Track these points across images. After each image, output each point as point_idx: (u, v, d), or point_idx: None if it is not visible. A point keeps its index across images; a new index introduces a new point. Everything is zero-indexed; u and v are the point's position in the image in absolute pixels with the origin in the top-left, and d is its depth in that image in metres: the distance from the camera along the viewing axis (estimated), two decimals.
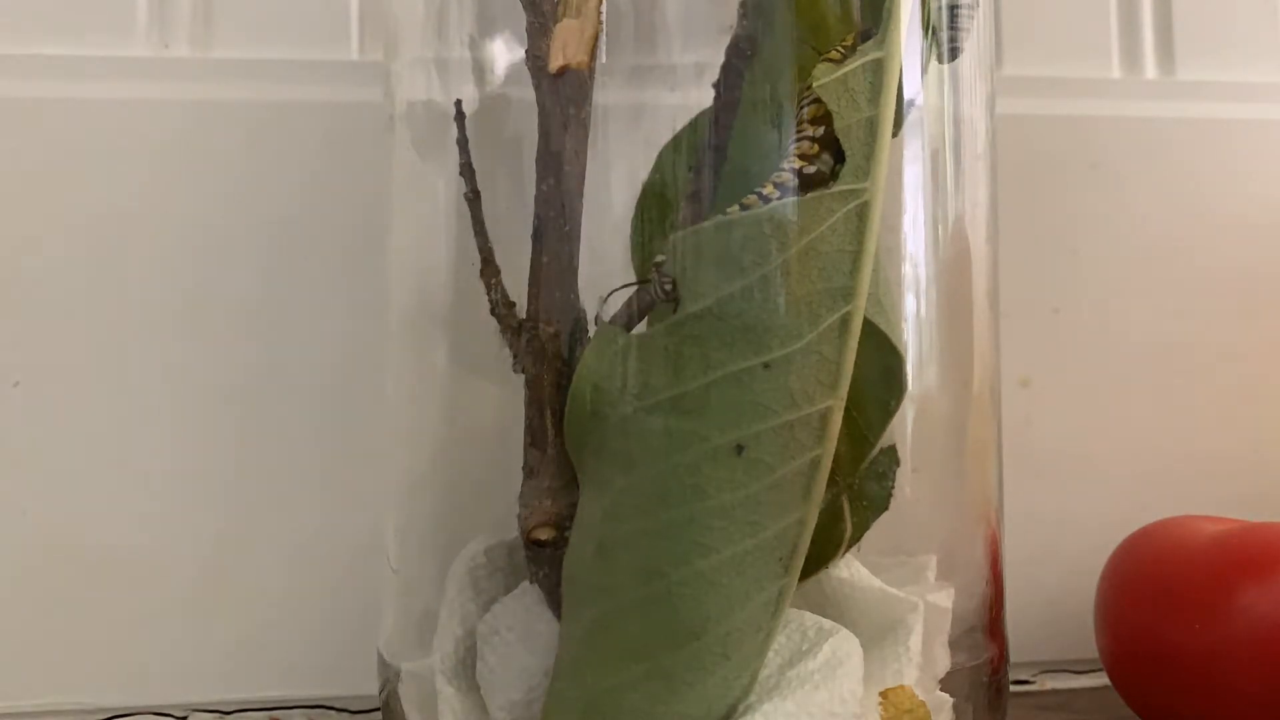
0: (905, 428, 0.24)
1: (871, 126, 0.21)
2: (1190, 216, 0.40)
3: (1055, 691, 0.37)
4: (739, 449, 0.21)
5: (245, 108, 0.35)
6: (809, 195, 0.21)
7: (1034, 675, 0.38)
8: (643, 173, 0.24)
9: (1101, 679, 0.34)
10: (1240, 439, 0.39)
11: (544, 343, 0.22)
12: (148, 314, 0.35)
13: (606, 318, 0.22)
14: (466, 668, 0.24)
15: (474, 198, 0.23)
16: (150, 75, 0.35)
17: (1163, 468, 0.39)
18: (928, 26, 0.24)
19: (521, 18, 0.23)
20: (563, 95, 0.22)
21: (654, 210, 0.24)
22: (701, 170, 0.22)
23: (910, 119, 0.24)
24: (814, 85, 0.21)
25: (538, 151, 0.23)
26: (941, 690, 0.24)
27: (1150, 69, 0.41)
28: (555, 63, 0.22)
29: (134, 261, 0.35)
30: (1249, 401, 0.40)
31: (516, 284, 0.23)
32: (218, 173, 0.35)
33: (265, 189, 0.35)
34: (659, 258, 0.21)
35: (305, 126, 0.35)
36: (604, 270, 0.23)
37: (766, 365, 0.21)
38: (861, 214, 0.21)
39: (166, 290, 0.35)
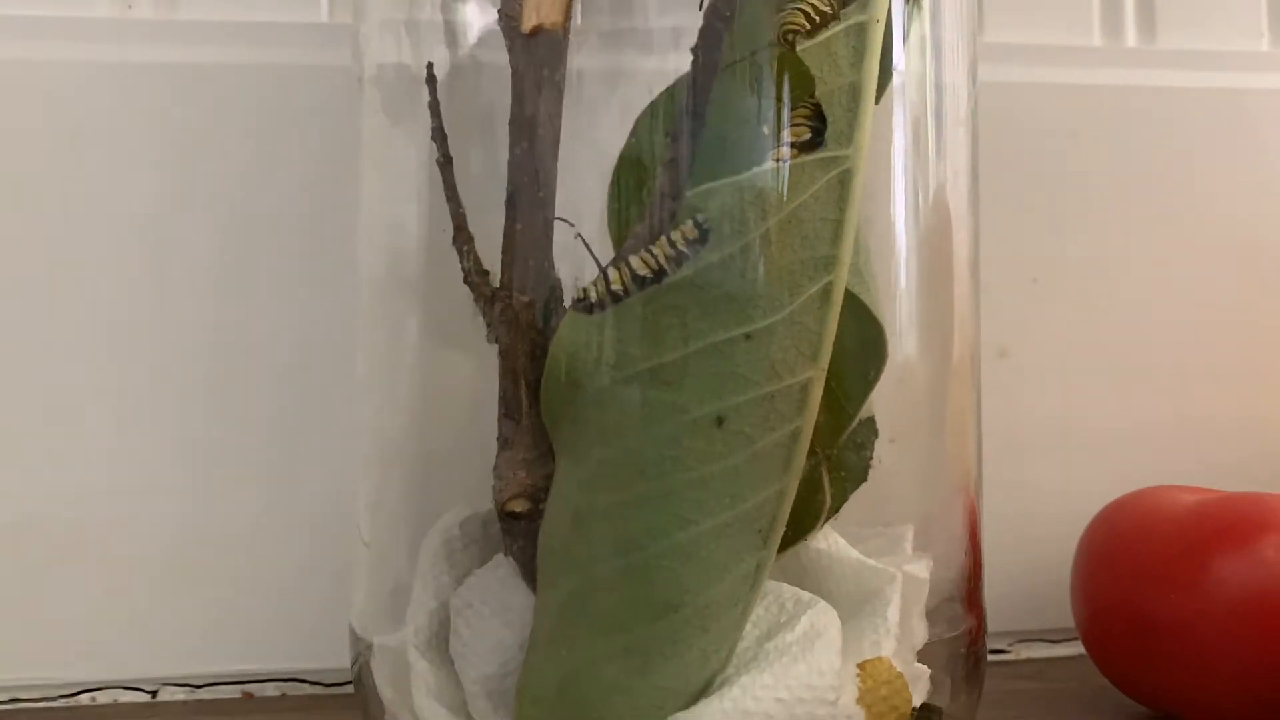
0: (884, 398, 0.24)
1: (854, 92, 0.21)
2: (1170, 185, 0.40)
3: (1031, 661, 0.38)
4: (719, 421, 0.21)
5: (211, 71, 0.34)
6: (791, 162, 0.21)
7: (1010, 645, 0.38)
8: (619, 139, 0.24)
9: (1077, 648, 0.35)
10: (1218, 409, 0.39)
11: (518, 312, 0.22)
12: (110, 285, 0.34)
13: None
14: (440, 641, 0.23)
15: (446, 163, 0.23)
16: (113, 37, 0.34)
17: (1140, 438, 0.39)
18: None
19: None
20: (536, 56, 0.22)
21: (631, 177, 0.23)
22: (679, 136, 0.22)
23: (892, 85, 0.24)
24: (797, 49, 0.21)
25: (511, 115, 0.22)
26: (919, 661, 0.24)
27: (1131, 37, 0.41)
28: (528, 22, 0.22)
29: (95, 230, 0.34)
30: (1228, 371, 0.40)
31: (490, 252, 0.23)
32: (182, 137, 0.34)
33: (230, 154, 0.35)
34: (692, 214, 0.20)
35: (273, 90, 0.35)
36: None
37: (748, 336, 0.21)
38: (844, 181, 0.21)
39: (129, 260, 0.34)
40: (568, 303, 0.22)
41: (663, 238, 0.21)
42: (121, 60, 0.34)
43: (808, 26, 0.21)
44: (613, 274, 0.21)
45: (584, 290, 0.21)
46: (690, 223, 0.21)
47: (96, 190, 0.34)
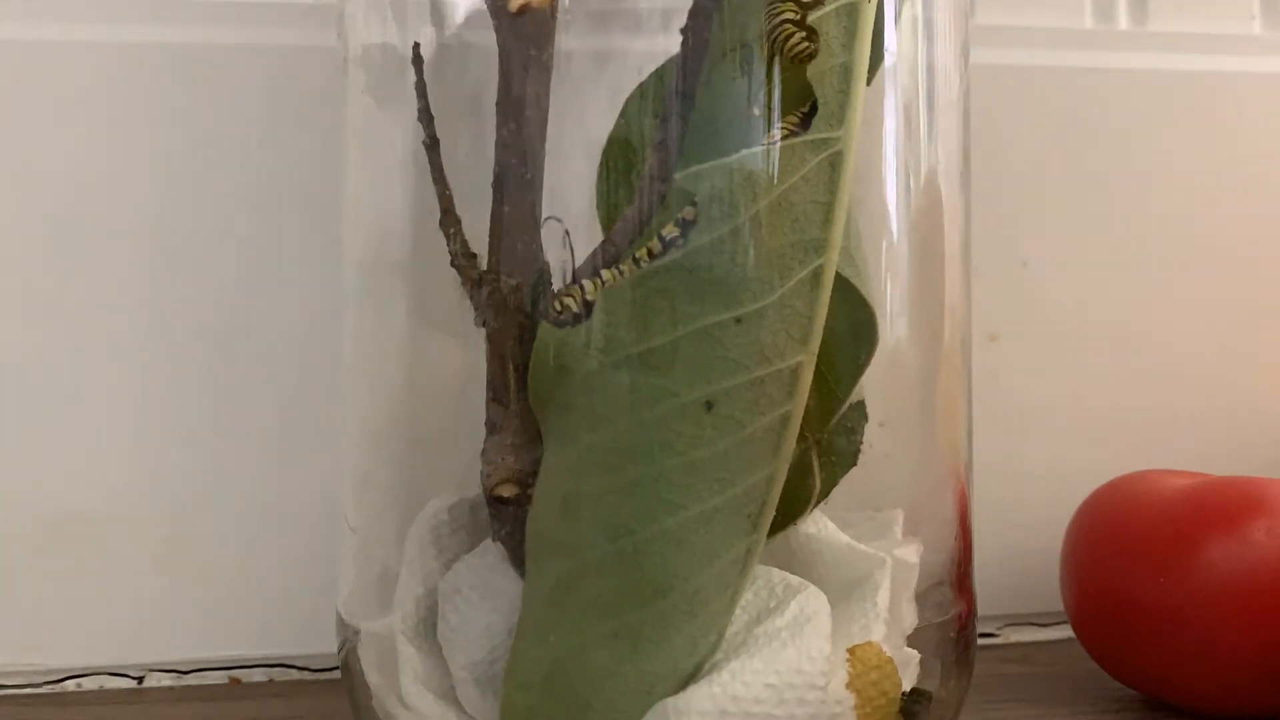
0: (875, 382, 0.24)
1: (845, 73, 0.21)
2: (1161, 170, 0.40)
3: (1019, 645, 0.38)
4: (708, 405, 0.20)
5: (194, 51, 0.34)
6: (781, 144, 0.21)
7: (998, 628, 0.38)
8: (608, 121, 0.23)
9: (1066, 632, 0.35)
10: (1208, 394, 0.40)
11: (506, 295, 0.22)
12: (102, 271, 0.34)
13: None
14: (428, 627, 0.23)
15: (432, 144, 0.23)
16: (97, 17, 0.34)
17: (1129, 422, 0.39)
18: None
19: None
20: (524, 36, 0.22)
21: (620, 159, 0.23)
22: (669, 118, 0.22)
23: (883, 67, 0.24)
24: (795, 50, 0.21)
25: (498, 96, 0.22)
26: (909, 646, 0.24)
27: (1123, 20, 0.40)
28: (516, 2, 0.21)
29: (84, 214, 0.34)
30: (1218, 356, 0.40)
31: (478, 235, 0.22)
32: (165, 119, 0.34)
33: (214, 136, 0.34)
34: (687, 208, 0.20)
35: (257, 71, 0.34)
36: (568, 221, 0.23)
37: (738, 320, 0.20)
38: (834, 163, 0.21)
39: (119, 245, 0.34)
40: (556, 286, 0.22)
41: (632, 254, 0.21)
42: (103, 40, 0.34)
43: (809, 47, 0.20)
44: (589, 286, 0.21)
45: (560, 303, 0.21)
46: (656, 239, 0.20)
47: (80, 174, 0.34)
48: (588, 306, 0.21)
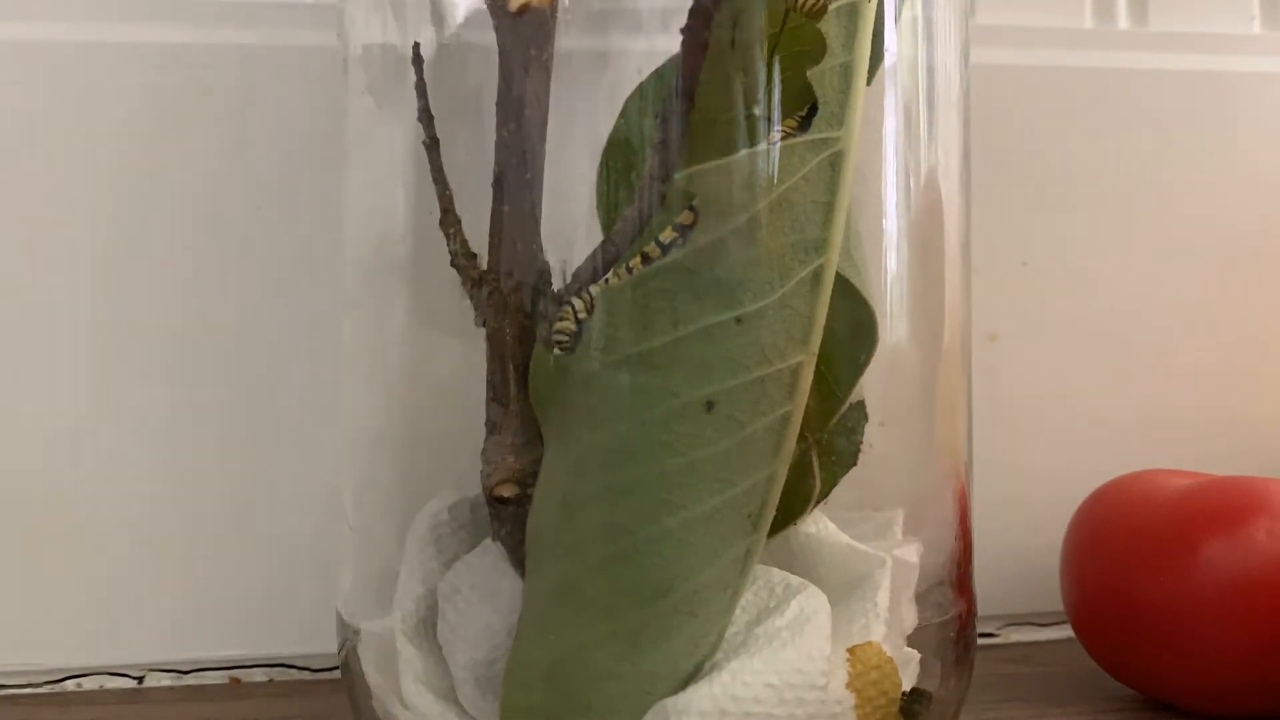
0: (875, 382, 0.24)
1: (846, 73, 0.21)
2: (1161, 169, 0.40)
3: (1020, 644, 0.38)
4: (709, 405, 0.20)
5: (194, 51, 0.34)
6: (781, 144, 0.21)
7: (999, 628, 0.38)
8: (608, 121, 0.23)
9: (1066, 632, 0.35)
10: (1207, 393, 0.40)
11: (505, 295, 0.22)
12: (98, 267, 0.34)
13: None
14: (428, 627, 0.23)
15: (432, 144, 0.23)
16: (107, 17, 0.34)
17: (1130, 422, 0.39)
18: None
19: None
20: (523, 35, 0.22)
21: (620, 160, 0.23)
22: (669, 118, 0.21)
23: (883, 67, 0.24)
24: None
25: (498, 96, 0.22)
26: (909, 646, 0.24)
27: (1123, 19, 0.41)
28: (516, 1, 0.21)
29: (75, 212, 0.34)
30: (1216, 356, 0.40)
31: (478, 235, 0.22)
32: (164, 119, 0.34)
33: (213, 136, 0.34)
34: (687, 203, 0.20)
35: (258, 70, 0.34)
36: (568, 221, 0.23)
37: (738, 320, 0.20)
38: (835, 163, 0.21)
39: (110, 242, 0.34)
40: (556, 286, 0.22)
41: (626, 262, 0.21)
42: (101, 39, 0.34)
43: (820, 2, 0.20)
44: (578, 305, 0.21)
45: (558, 329, 0.21)
46: (654, 244, 0.20)
47: (75, 171, 0.34)
48: (580, 326, 0.21)
